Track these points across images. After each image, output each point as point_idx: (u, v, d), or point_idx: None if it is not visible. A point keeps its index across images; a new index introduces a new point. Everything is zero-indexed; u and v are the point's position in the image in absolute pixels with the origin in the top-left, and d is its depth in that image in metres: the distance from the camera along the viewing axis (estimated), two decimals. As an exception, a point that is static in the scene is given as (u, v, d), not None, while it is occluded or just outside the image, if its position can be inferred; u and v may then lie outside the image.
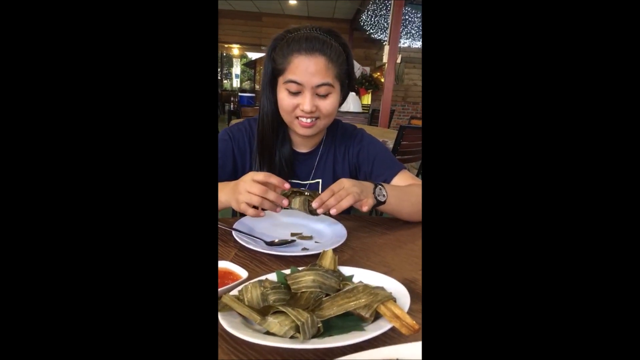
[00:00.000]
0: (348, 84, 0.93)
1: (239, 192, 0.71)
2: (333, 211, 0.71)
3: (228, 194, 0.74)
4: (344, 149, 1.01)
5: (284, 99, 0.86)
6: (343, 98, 0.95)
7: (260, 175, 0.70)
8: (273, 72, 0.88)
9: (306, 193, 0.73)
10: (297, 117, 0.88)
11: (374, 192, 0.80)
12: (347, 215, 1.00)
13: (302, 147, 0.99)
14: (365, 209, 0.75)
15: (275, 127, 0.93)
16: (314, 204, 0.71)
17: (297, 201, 0.73)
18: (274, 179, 0.70)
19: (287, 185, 0.71)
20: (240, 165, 0.96)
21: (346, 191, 0.72)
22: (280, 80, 0.87)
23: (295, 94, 0.85)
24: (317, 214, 0.73)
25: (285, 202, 0.71)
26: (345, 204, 0.71)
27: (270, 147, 0.93)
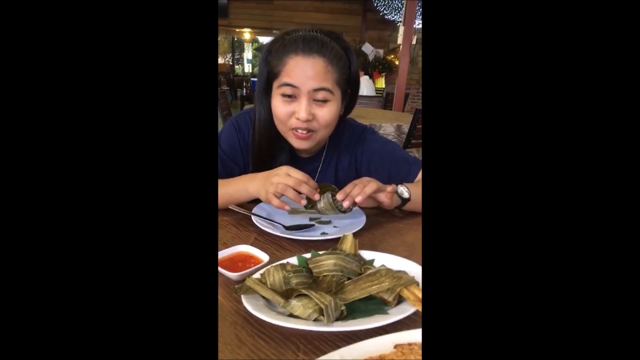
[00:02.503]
0: (351, 93, 0.86)
1: (270, 182, 0.70)
2: (359, 199, 0.70)
3: (258, 184, 0.74)
4: (349, 155, 0.95)
5: (278, 106, 0.79)
6: (345, 109, 0.89)
7: (299, 174, 0.70)
8: (268, 77, 0.81)
9: (331, 188, 0.74)
10: (292, 129, 0.80)
11: (396, 192, 0.79)
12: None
13: (303, 152, 0.93)
14: (388, 198, 0.74)
15: (272, 138, 0.86)
16: (339, 196, 0.71)
17: (322, 202, 0.72)
18: (312, 183, 0.71)
19: (317, 196, 0.71)
20: (246, 157, 0.93)
21: (368, 180, 0.72)
22: (275, 84, 0.79)
23: (290, 99, 0.78)
24: (345, 211, 0.73)
25: (317, 195, 0.71)
26: (368, 189, 0.71)
27: (267, 161, 0.87)
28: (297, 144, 0.82)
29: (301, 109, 0.77)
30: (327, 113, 0.79)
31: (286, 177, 0.69)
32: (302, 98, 0.77)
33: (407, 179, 0.89)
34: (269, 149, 0.87)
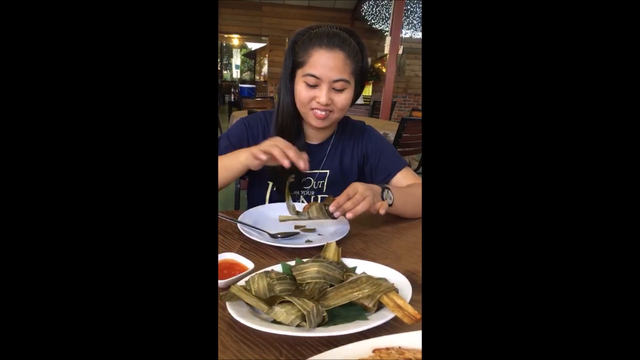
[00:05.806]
0: (361, 81, 0.97)
1: (259, 146, 0.78)
2: (349, 215, 0.72)
3: (247, 152, 0.81)
4: (353, 143, 1.06)
5: (302, 91, 0.91)
6: (356, 95, 0.98)
7: (282, 142, 0.77)
8: (293, 65, 0.93)
9: (320, 201, 0.77)
10: (312, 109, 0.92)
11: (382, 195, 0.81)
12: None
13: (314, 139, 1.04)
14: (382, 211, 0.75)
15: (294, 119, 0.97)
16: (331, 208, 0.73)
17: (313, 209, 0.77)
18: (298, 152, 0.77)
19: (302, 164, 0.76)
20: None
21: (362, 195, 0.74)
22: (299, 73, 0.91)
23: (313, 87, 0.90)
24: (335, 217, 0.76)
25: (302, 163, 0.76)
26: (360, 208, 0.73)
27: (290, 138, 0.95)
28: (315, 122, 0.94)
29: (322, 94, 0.89)
30: (343, 99, 0.92)
31: (274, 141, 0.77)
32: (324, 86, 0.89)
33: (393, 170, 1.02)
34: (291, 127, 0.98)
